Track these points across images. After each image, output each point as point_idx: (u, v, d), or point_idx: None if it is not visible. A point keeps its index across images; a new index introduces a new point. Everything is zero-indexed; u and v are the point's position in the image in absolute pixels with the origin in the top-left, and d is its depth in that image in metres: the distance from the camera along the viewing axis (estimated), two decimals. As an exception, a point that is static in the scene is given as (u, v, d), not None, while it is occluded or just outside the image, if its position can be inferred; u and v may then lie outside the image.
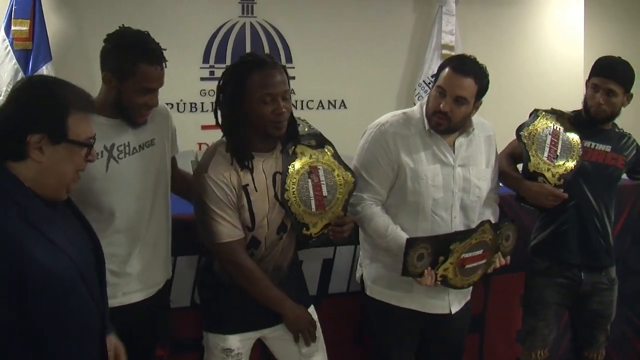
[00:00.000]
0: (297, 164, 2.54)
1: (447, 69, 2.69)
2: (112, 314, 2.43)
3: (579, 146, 3.04)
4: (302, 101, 6.08)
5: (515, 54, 6.58)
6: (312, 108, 6.20)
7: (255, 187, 2.45)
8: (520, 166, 3.13)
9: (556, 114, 3.12)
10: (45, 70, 5.03)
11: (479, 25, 6.55)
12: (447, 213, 2.76)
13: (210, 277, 2.62)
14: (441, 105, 2.66)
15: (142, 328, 2.63)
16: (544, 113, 3.12)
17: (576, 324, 3.28)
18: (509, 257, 2.84)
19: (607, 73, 3.03)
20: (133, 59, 2.37)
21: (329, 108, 6.26)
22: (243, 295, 2.53)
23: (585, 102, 3.11)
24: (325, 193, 2.56)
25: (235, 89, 2.42)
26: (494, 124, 2.96)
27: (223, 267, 2.54)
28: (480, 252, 2.72)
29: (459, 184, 2.75)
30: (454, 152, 2.77)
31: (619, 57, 3.12)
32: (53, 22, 5.34)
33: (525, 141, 3.01)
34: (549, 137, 3.02)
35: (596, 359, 3.29)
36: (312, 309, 2.72)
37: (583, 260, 3.10)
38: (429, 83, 5.98)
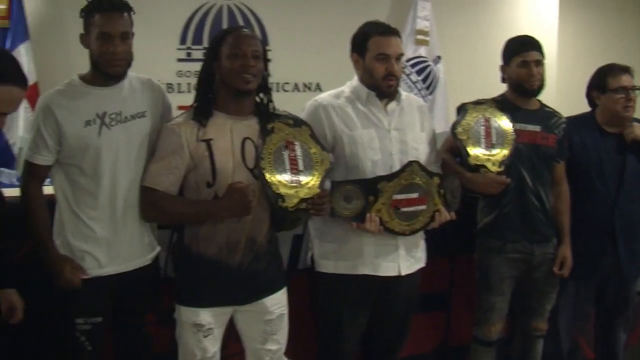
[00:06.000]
0: (274, 137, 2.64)
1: (376, 37, 2.87)
2: (102, 284, 2.65)
3: (511, 130, 3.14)
4: (277, 83, 6.10)
5: (489, 39, 6.54)
6: (288, 91, 6.23)
7: (219, 143, 2.57)
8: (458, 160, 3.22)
9: (483, 104, 3.22)
10: (22, 49, 5.01)
11: (453, 11, 6.59)
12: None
13: (182, 250, 2.68)
14: (393, 69, 2.84)
15: (133, 297, 2.77)
16: (472, 106, 3.20)
17: (525, 295, 3.39)
18: (453, 213, 2.94)
19: (530, 47, 3.23)
20: (91, 11, 2.57)
21: (304, 91, 6.30)
22: (217, 269, 2.61)
23: (515, 83, 3.24)
24: (301, 167, 2.65)
25: (210, 50, 2.64)
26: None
27: (143, 213, 2.67)
28: (415, 195, 2.82)
29: (396, 146, 2.89)
30: (387, 115, 2.92)
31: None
32: (31, 1, 5.31)
33: (462, 137, 3.09)
34: (482, 128, 3.11)
35: (543, 328, 3.44)
36: (284, 291, 2.80)
37: (528, 236, 3.25)
38: (404, 68, 6.04)
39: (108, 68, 2.59)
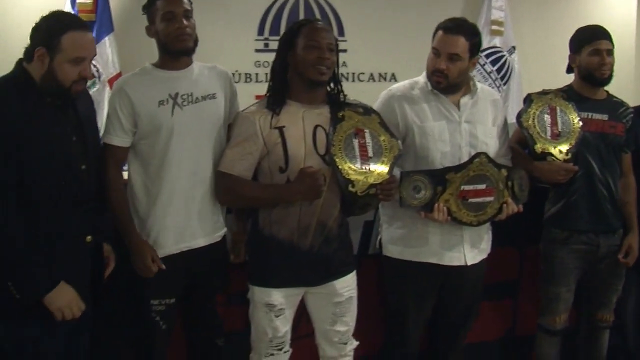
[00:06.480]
0: (344, 125, 2.72)
1: (439, 31, 2.90)
2: (174, 262, 2.78)
3: (577, 119, 3.15)
4: (353, 74, 6.19)
5: (564, 30, 6.38)
6: (363, 80, 6.30)
7: (291, 130, 2.67)
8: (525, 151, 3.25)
9: (548, 94, 3.23)
10: (107, 41, 5.25)
11: (529, 1, 6.56)
12: None
13: (257, 232, 2.78)
14: (438, 65, 2.87)
15: (204, 275, 2.89)
16: (537, 95, 3.21)
17: (590, 286, 3.39)
18: (521, 206, 2.96)
19: (602, 35, 3.22)
20: (153, 1, 2.73)
21: (379, 81, 6.36)
22: (288, 251, 2.70)
23: (585, 72, 3.24)
24: (370, 154, 2.72)
25: (285, 40, 2.73)
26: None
27: (219, 197, 2.80)
28: (483, 186, 2.87)
29: (466, 138, 2.93)
30: (459, 110, 2.95)
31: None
32: (115, -6, 5.53)
33: (527, 126, 3.11)
34: (548, 117, 3.12)
35: (609, 320, 3.42)
36: (353, 275, 2.88)
37: (595, 226, 3.23)
38: (478, 57, 6.03)
39: (176, 43, 2.73)
